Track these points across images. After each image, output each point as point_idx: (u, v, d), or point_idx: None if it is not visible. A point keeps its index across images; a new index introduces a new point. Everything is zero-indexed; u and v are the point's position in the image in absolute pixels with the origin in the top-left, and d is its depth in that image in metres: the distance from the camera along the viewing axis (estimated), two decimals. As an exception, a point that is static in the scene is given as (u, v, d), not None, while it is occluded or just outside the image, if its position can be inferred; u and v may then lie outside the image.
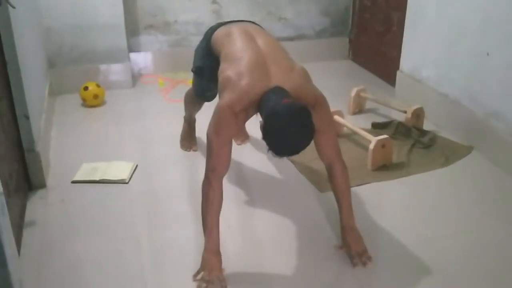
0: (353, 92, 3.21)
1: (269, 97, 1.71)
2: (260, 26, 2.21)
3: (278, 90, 1.72)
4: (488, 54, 2.61)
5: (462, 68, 2.84)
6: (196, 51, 2.34)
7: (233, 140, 2.47)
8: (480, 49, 2.67)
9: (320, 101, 1.82)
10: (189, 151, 2.76)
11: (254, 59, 1.84)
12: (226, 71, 1.85)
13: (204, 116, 2.13)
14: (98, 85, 3.39)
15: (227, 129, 1.80)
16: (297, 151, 1.66)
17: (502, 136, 2.56)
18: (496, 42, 2.56)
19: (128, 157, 2.67)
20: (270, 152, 1.65)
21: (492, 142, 2.63)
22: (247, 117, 1.85)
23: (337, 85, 3.57)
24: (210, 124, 1.83)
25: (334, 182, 1.95)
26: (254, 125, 2.01)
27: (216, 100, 1.95)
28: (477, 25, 2.67)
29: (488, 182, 2.49)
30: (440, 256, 1.95)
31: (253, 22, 2.24)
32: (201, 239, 1.84)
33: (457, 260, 1.93)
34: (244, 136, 2.84)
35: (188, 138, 2.80)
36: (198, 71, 2.32)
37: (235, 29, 2.08)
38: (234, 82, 1.78)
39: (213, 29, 2.20)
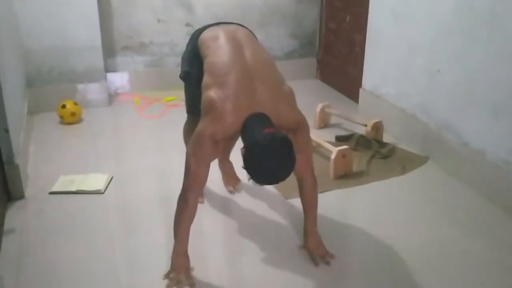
0: (319, 108, 3.42)
1: (251, 126, 1.71)
2: (249, 30, 2.15)
3: (260, 118, 1.72)
4: (438, 71, 2.84)
5: (417, 84, 3.07)
6: (183, 57, 2.23)
7: (225, 187, 2.57)
8: (432, 67, 2.90)
9: (302, 126, 1.85)
10: None
11: (240, 78, 1.79)
12: (210, 90, 1.80)
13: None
14: (75, 103, 3.53)
15: (207, 154, 1.81)
16: (277, 181, 1.68)
17: (453, 146, 2.78)
18: (445, 60, 2.79)
19: (104, 169, 2.80)
20: (251, 180, 1.66)
21: (445, 152, 2.85)
22: (229, 144, 1.90)
23: (305, 103, 3.71)
24: (188, 145, 1.86)
25: (304, 194, 2.07)
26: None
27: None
28: (428, 45, 2.91)
29: (441, 188, 2.69)
30: (396, 255, 2.12)
31: (241, 25, 2.16)
32: (171, 244, 1.95)
33: (411, 259, 2.10)
34: (234, 181, 2.62)
35: None
36: (186, 77, 2.18)
37: (222, 34, 2.00)
38: (218, 111, 1.74)
39: (199, 31, 2.12)
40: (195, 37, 2.11)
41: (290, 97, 1.89)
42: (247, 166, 1.65)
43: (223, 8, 4.16)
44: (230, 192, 2.59)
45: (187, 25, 4.13)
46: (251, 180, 1.67)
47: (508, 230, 2.32)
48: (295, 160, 1.67)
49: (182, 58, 2.24)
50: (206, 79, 1.87)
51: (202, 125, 1.79)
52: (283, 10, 4.38)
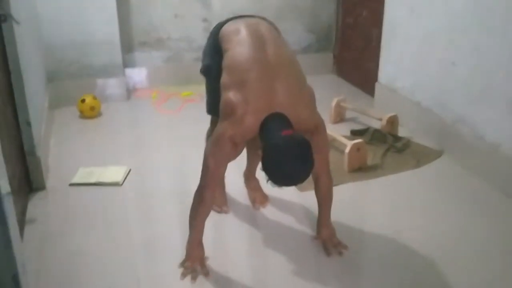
0: (334, 102, 3.43)
1: (270, 127, 1.70)
2: (271, 23, 2.08)
3: (279, 118, 1.72)
4: (453, 63, 2.84)
5: (432, 77, 3.06)
6: (204, 50, 2.17)
7: (251, 204, 2.45)
8: (447, 60, 2.89)
9: (319, 128, 1.85)
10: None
11: (261, 77, 1.76)
12: (229, 91, 1.77)
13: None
14: (94, 98, 3.60)
15: (226, 156, 1.81)
16: (296, 183, 1.70)
17: (468, 140, 2.77)
18: (460, 53, 2.78)
19: (122, 162, 2.87)
20: (269, 182, 1.66)
21: (460, 146, 2.84)
22: (247, 143, 1.86)
23: (321, 97, 3.72)
24: (207, 144, 1.87)
25: (319, 192, 2.08)
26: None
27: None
28: (444, 38, 2.91)
29: (455, 182, 2.69)
30: (409, 246, 2.14)
31: (265, 19, 2.10)
32: (187, 235, 1.99)
33: (425, 251, 2.11)
34: (262, 198, 2.48)
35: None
36: (206, 71, 2.10)
37: (244, 28, 1.94)
38: (238, 115, 1.72)
39: (221, 24, 2.06)
40: (217, 30, 2.05)
41: (310, 100, 1.86)
42: (265, 168, 1.65)
43: (240, 3, 4.19)
44: (256, 209, 2.44)
45: (204, 20, 4.17)
46: (269, 181, 1.66)
47: (523, 223, 2.32)
48: (314, 162, 1.65)
49: (204, 51, 2.18)
50: (225, 77, 1.84)
51: (222, 127, 1.78)
52: (300, 5, 4.39)
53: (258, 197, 2.48)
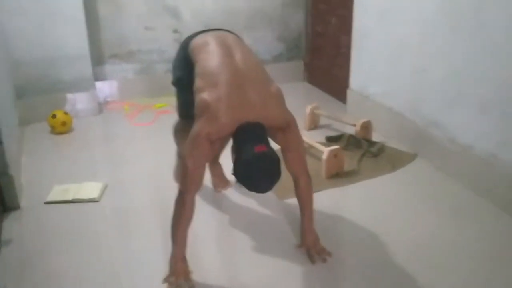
0: (308, 110, 3.47)
1: (244, 138, 1.79)
2: (237, 35, 2.24)
3: (253, 129, 1.81)
4: (424, 69, 2.91)
5: (404, 83, 3.13)
6: (174, 64, 2.31)
7: (214, 188, 2.65)
8: (418, 65, 2.96)
9: (291, 125, 1.93)
10: None
11: (232, 81, 1.87)
12: (203, 92, 1.87)
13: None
14: (65, 113, 3.54)
15: (203, 154, 1.87)
16: (263, 192, 1.81)
17: (441, 143, 2.84)
18: (431, 58, 2.86)
19: (98, 178, 2.82)
20: (239, 184, 1.78)
21: (433, 149, 2.91)
22: (222, 145, 1.96)
23: (294, 105, 3.76)
24: (185, 146, 1.91)
25: (299, 192, 2.11)
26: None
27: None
28: (414, 44, 2.98)
29: (430, 184, 2.75)
30: (389, 249, 2.18)
31: (230, 31, 2.26)
32: (170, 248, 1.96)
33: (404, 253, 2.15)
34: (224, 183, 2.69)
35: None
36: (178, 83, 2.25)
37: (213, 39, 2.08)
38: (212, 111, 1.81)
39: (190, 38, 2.19)
40: (186, 44, 2.18)
41: (279, 99, 1.96)
42: (236, 175, 1.76)
43: (209, 14, 4.20)
44: (218, 192, 2.66)
45: (175, 31, 4.16)
46: (238, 183, 1.78)
47: (495, 222, 2.38)
48: (280, 174, 1.77)
49: (173, 65, 2.32)
50: (198, 82, 1.94)
51: (198, 126, 1.85)
52: (269, 14, 4.43)
53: (220, 182, 2.68)
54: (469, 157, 2.64)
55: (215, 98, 1.83)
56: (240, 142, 1.81)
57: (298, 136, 2.00)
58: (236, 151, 1.81)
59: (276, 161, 1.76)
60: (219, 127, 1.81)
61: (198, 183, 1.92)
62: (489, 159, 2.52)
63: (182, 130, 2.26)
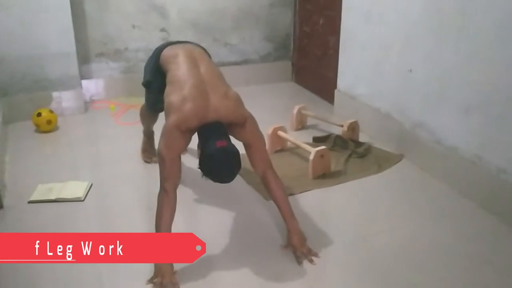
0: (295, 110, 3.47)
1: (207, 134, 2.00)
2: (204, 49, 2.50)
3: (214, 128, 2.01)
4: (410, 71, 2.92)
5: (390, 84, 3.15)
6: (146, 67, 2.59)
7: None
8: (404, 67, 2.98)
9: (249, 120, 2.11)
10: (150, 162, 2.98)
11: (196, 86, 2.09)
12: (171, 95, 2.10)
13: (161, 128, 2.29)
14: (51, 111, 3.50)
15: (176, 145, 2.03)
16: (227, 182, 1.98)
17: (427, 144, 2.86)
18: (417, 60, 2.87)
19: (83, 177, 2.79)
20: (205, 177, 1.97)
21: (419, 150, 2.93)
22: (190, 138, 2.08)
23: (281, 105, 3.84)
24: (159, 142, 2.04)
25: (270, 190, 2.17)
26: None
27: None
28: (400, 45, 3.00)
29: (415, 185, 2.77)
30: (376, 250, 2.18)
31: (198, 45, 2.53)
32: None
33: (390, 253, 2.16)
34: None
35: (149, 149, 3.02)
36: (148, 85, 2.58)
37: (181, 52, 2.34)
38: (178, 106, 2.03)
39: (161, 49, 2.46)
40: (157, 53, 2.45)
41: (237, 100, 2.14)
42: (202, 169, 1.95)
43: (196, 13, 4.18)
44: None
45: (162, 30, 4.13)
46: (204, 177, 1.96)
47: (479, 222, 2.40)
48: (241, 165, 1.97)
49: (145, 69, 2.59)
50: (168, 89, 2.17)
51: (167, 122, 2.04)
52: (257, 14, 4.43)
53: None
54: (454, 158, 2.67)
55: (181, 99, 2.05)
56: (204, 139, 2.01)
57: (257, 130, 2.16)
58: (200, 147, 2.02)
59: (236, 153, 1.94)
60: (186, 118, 2.00)
61: (176, 173, 2.04)
62: (474, 160, 2.54)
63: (146, 113, 2.80)
